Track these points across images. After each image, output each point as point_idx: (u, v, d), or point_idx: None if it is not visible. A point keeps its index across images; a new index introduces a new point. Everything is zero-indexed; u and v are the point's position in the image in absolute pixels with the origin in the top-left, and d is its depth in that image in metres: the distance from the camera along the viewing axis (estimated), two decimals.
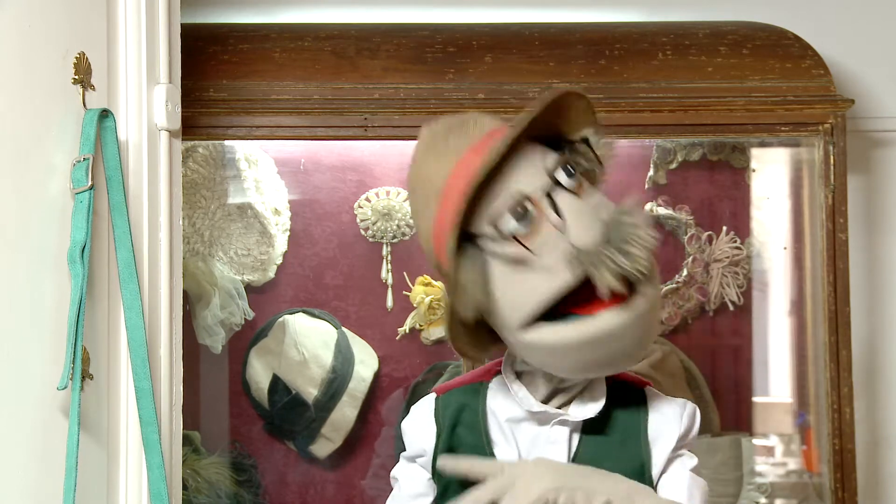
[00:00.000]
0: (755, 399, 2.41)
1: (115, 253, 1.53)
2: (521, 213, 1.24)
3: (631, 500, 1.25)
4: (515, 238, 1.24)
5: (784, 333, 2.41)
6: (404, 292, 2.37)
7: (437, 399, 1.40)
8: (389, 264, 2.39)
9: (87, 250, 1.42)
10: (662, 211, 2.37)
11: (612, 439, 1.33)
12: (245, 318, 2.37)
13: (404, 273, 2.37)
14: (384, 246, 2.39)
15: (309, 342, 2.33)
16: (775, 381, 2.41)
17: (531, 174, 1.26)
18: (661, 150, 2.36)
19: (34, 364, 1.39)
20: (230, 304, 2.34)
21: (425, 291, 2.33)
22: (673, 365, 2.27)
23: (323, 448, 2.36)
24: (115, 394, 1.56)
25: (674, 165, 2.37)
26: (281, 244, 2.39)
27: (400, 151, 2.37)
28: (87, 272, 1.42)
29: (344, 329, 2.38)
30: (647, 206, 2.35)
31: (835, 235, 2.11)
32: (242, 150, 2.34)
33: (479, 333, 1.33)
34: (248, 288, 2.38)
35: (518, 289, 1.25)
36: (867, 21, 2.45)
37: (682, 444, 1.35)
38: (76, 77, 1.48)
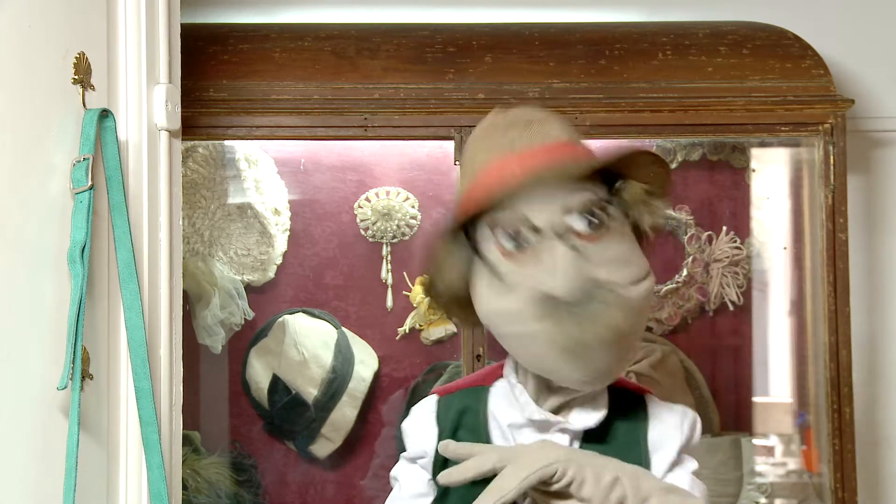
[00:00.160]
0: (755, 399, 2.40)
1: (114, 253, 1.53)
2: (515, 236, 1.27)
3: (637, 479, 1.26)
4: (504, 249, 1.27)
5: (784, 333, 2.41)
6: (404, 292, 2.37)
7: (438, 401, 1.41)
8: (389, 264, 2.39)
9: (87, 250, 1.42)
10: None
11: (612, 447, 1.33)
12: (245, 318, 2.37)
13: (404, 273, 2.38)
14: (384, 246, 2.39)
15: (309, 342, 2.33)
16: (775, 381, 2.41)
17: (547, 209, 1.26)
18: (661, 151, 2.35)
19: (34, 364, 1.39)
20: (230, 304, 2.34)
21: (425, 291, 2.33)
22: (673, 365, 2.27)
23: (323, 448, 2.36)
24: (114, 394, 1.56)
25: (674, 165, 2.37)
26: (281, 244, 2.39)
27: (400, 151, 2.37)
28: (87, 272, 1.41)
29: (344, 329, 2.38)
30: None
31: (835, 235, 2.11)
32: (242, 150, 2.34)
33: (462, 302, 1.37)
34: (248, 288, 2.38)
35: (486, 291, 1.30)
36: (867, 21, 2.45)
37: (682, 452, 1.36)
38: (76, 77, 1.47)
